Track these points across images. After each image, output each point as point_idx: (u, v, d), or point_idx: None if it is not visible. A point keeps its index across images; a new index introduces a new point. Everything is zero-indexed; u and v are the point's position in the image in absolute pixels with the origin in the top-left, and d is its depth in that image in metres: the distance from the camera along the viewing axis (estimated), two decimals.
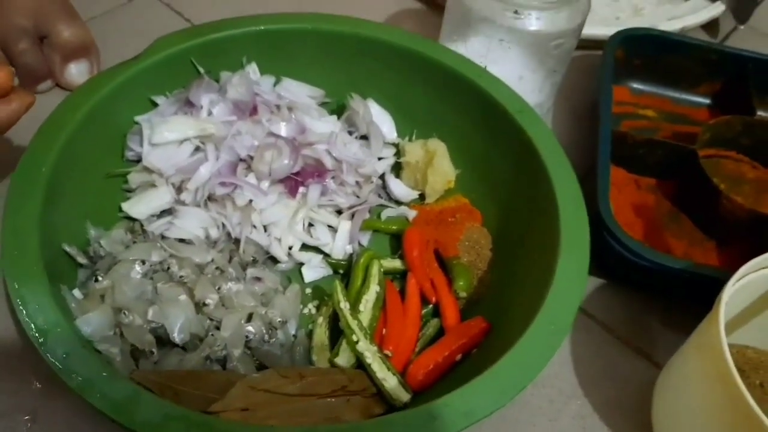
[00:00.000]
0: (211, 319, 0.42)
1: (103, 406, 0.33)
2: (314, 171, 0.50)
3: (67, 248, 0.43)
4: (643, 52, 0.64)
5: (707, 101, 0.66)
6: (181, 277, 0.43)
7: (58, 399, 0.42)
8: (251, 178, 0.48)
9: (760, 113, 0.61)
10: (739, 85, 0.63)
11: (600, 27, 0.68)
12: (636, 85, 0.66)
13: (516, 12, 0.51)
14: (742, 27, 0.74)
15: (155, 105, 0.51)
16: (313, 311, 0.48)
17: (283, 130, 0.50)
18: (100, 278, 0.42)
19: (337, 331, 0.44)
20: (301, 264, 0.49)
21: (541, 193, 0.45)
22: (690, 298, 0.48)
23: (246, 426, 0.35)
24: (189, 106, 0.50)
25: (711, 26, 0.75)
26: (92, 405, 0.33)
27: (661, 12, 0.74)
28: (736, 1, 0.73)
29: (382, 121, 0.55)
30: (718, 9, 0.73)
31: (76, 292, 0.42)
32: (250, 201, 0.48)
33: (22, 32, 0.57)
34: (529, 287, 0.43)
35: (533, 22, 0.51)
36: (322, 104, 0.56)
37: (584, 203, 0.44)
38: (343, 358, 0.43)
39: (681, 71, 0.65)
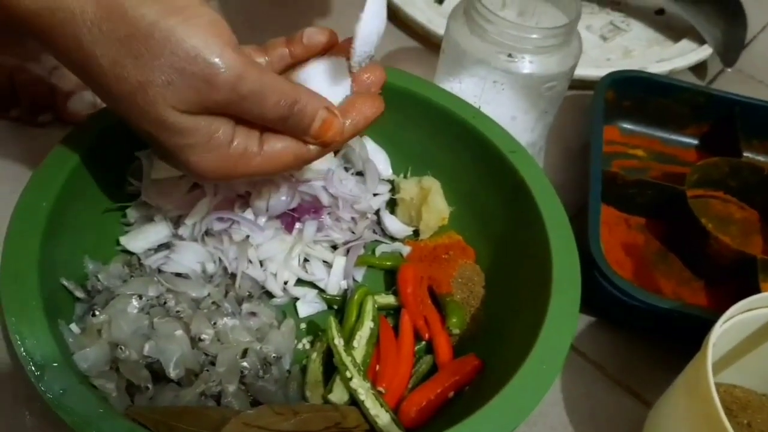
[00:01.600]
0: (207, 355, 0.43)
1: None
2: (311, 207, 0.51)
3: (66, 282, 0.43)
4: (633, 93, 0.66)
5: (695, 142, 0.68)
6: (177, 312, 0.44)
7: None
8: (248, 214, 0.49)
9: (747, 155, 0.63)
10: (726, 127, 0.65)
11: (591, 68, 0.70)
12: (626, 126, 0.68)
13: (510, 55, 0.52)
14: (729, 70, 0.75)
15: None
16: (308, 346, 0.48)
17: None
18: (97, 313, 0.42)
19: (331, 367, 0.45)
20: (296, 299, 0.50)
21: (533, 233, 0.46)
22: (679, 338, 0.49)
23: None
24: None
25: (699, 68, 0.77)
26: None
27: (650, 54, 0.76)
28: (723, 45, 0.75)
29: (377, 158, 0.56)
30: (705, 52, 0.75)
31: (74, 327, 0.42)
32: (247, 236, 0.48)
33: (34, 61, 0.58)
34: (520, 325, 0.44)
35: (526, 65, 0.53)
36: None
37: (575, 243, 0.45)
38: (337, 395, 0.43)
39: (670, 112, 0.66)
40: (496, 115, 0.53)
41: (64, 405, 0.35)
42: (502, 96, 0.55)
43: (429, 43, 0.74)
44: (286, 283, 0.50)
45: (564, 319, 0.41)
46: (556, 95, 0.56)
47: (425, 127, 0.54)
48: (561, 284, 0.43)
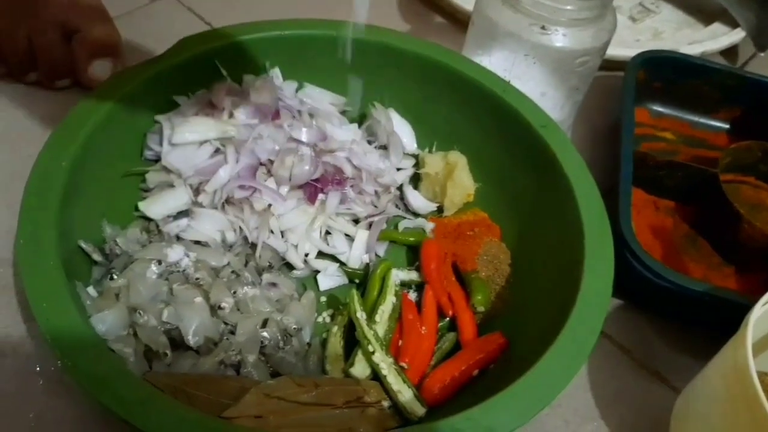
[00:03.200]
0: (226, 323, 0.42)
1: (116, 407, 0.32)
2: (334, 178, 0.49)
3: (83, 245, 0.42)
4: (664, 74, 0.64)
5: (726, 126, 0.66)
6: (197, 279, 0.42)
7: (64, 398, 0.41)
8: (270, 183, 0.48)
9: None
10: (758, 112, 0.63)
11: (620, 48, 0.68)
12: (656, 108, 0.66)
13: (543, 27, 0.51)
14: (761, 54, 0.73)
15: (176, 105, 0.50)
16: (328, 320, 0.47)
17: (304, 135, 0.49)
18: (115, 276, 0.41)
19: (352, 341, 0.44)
20: (317, 272, 0.49)
21: (564, 210, 0.45)
22: (709, 322, 0.48)
23: None
24: (211, 107, 0.50)
25: (730, 52, 0.75)
26: (104, 405, 0.33)
27: (681, 36, 0.74)
28: (756, 29, 0.73)
29: (402, 131, 0.54)
30: (738, 35, 0.73)
31: (90, 290, 0.41)
32: (269, 206, 0.47)
33: (53, 26, 0.56)
34: (549, 305, 0.42)
35: (560, 39, 0.51)
36: (343, 112, 0.56)
37: (608, 221, 0.43)
38: (359, 369, 0.42)
39: (701, 95, 0.65)
40: (526, 90, 0.51)
41: (80, 368, 0.33)
42: (532, 70, 0.53)
43: (455, 18, 0.73)
44: (307, 255, 0.49)
45: (596, 300, 0.40)
46: (588, 71, 0.54)
47: (453, 100, 0.53)
48: (594, 264, 0.41)
